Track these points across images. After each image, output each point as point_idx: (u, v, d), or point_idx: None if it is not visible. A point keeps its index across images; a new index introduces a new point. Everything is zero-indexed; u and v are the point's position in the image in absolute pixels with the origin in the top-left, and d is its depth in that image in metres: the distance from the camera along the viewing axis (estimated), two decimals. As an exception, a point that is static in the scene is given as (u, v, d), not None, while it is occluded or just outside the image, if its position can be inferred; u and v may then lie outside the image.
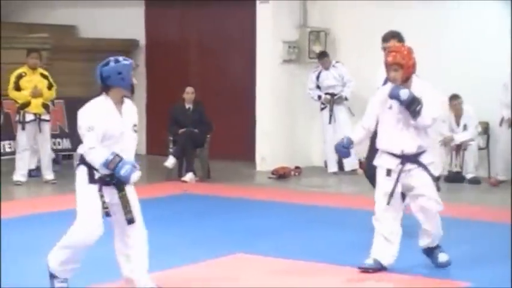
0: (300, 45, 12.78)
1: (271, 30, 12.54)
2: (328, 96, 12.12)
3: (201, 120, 11.49)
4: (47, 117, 10.98)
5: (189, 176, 11.10)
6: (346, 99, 12.11)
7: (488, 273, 6.24)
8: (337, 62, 12.24)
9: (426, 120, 5.99)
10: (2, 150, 11.67)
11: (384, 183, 6.11)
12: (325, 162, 12.50)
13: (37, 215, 8.49)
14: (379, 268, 6.11)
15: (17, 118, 10.98)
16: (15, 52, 12.26)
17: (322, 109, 12.23)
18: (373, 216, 6.19)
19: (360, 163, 11.83)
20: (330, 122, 12.09)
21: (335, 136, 11.43)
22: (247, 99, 12.75)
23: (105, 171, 5.02)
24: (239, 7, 13.12)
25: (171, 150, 11.42)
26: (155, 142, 13.57)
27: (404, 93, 5.87)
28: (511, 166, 10.92)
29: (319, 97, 12.16)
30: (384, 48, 6.98)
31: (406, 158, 6.04)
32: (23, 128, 10.89)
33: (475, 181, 11.03)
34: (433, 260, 6.32)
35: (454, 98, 11.18)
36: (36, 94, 10.84)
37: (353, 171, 11.95)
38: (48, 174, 11.05)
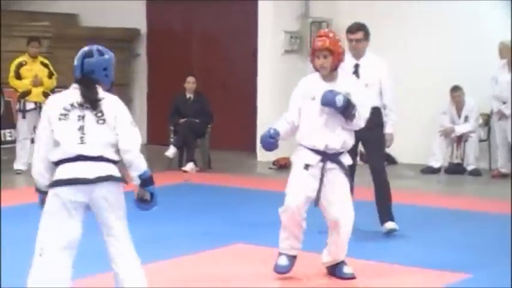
0: (301, 36, 12.76)
1: (273, 21, 12.52)
2: None
3: (202, 110, 11.47)
4: (47, 106, 10.96)
5: (189, 166, 11.10)
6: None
7: (489, 264, 6.23)
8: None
9: (361, 122, 5.59)
10: (2, 139, 11.70)
11: (301, 180, 5.60)
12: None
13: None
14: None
15: (18, 107, 11.00)
16: (15, 40, 12.27)
17: None
18: (283, 207, 5.70)
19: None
20: None
21: None
22: (248, 90, 12.73)
23: None
24: (241, -3, 13.10)
25: (172, 140, 11.42)
26: (156, 132, 13.56)
27: (339, 100, 5.41)
28: (511, 158, 10.91)
29: None
30: (350, 40, 7.08)
31: (327, 156, 5.57)
32: (24, 117, 10.90)
33: (476, 173, 11.02)
34: (338, 273, 5.83)
35: (455, 90, 11.18)
36: (36, 83, 10.84)
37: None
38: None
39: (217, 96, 12.51)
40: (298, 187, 5.61)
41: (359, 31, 7.14)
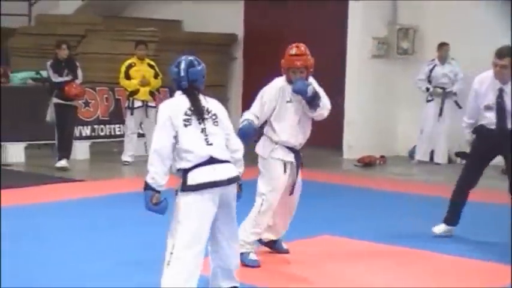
0: (388, 42, 12.65)
1: (362, 27, 12.45)
2: (440, 90, 11.74)
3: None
4: (153, 103, 11.19)
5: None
6: (455, 94, 11.65)
7: None
8: (452, 58, 11.76)
9: (325, 111, 5.85)
10: (112, 133, 12.02)
11: (283, 177, 5.82)
12: (410, 153, 12.36)
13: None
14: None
15: (127, 104, 11.26)
16: (125, 44, 12.56)
17: (428, 101, 11.87)
18: (267, 205, 5.80)
19: (457, 154, 11.69)
20: (440, 115, 11.73)
21: (438, 127, 11.67)
22: (336, 91, 12.68)
23: None
24: (332, 4, 13.07)
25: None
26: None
27: (310, 90, 5.66)
28: None
29: (427, 89, 11.84)
30: (495, 65, 6.54)
31: (297, 152, 5.89)
32: (132, 114, 11.15)
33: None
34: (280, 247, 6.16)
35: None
36: (144, 83, 11.07)
37: (437, 164, 11.82)
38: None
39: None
40: (280, 188, 5.82)
41: (506, 57, 6.52)
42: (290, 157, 5.84)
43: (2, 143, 10.86)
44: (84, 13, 15.03)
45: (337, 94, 12.55)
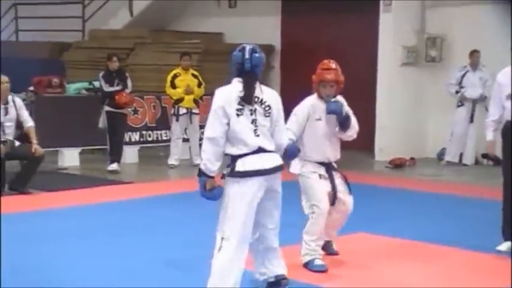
0: (417, 50, 12.55)
1: (392, 36, 12.37)
2: (472, 96, 11.57)
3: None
4: (196, 111, 11.22)
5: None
6: (484, 99, 11.40)
7: None
8: (483, 66, 11.60)
9: (353, 132, 5.68)
10: (159, 138, 12.06)
11: (322, 186, 5.60)
12: (438, 154, 12.22)
13: (188, 193, 8.69)
14: None
15: (172, 111, 11.29)
16: (171, 55, 12.60)
17: (459, 106, 11.73)
18: (318, 212, 5.57)
19: (483, 155, 11.56)
20: (472, 120, 11.59)
21: (468, 130, 11.58)
22: (368, 97, 12.58)
23: None
24: (364, 15, 12.97)
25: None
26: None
27: (344, 111, 5.52)
28: None
29: (457, 92, 11.66)
30: None
31: (330, 166, 5.66)
32: (177, 120, 11.18)
33: None
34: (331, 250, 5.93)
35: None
36: (188, 91, 11.09)
37: (465, 165, 11.68)
38: (197, 159, 11.30)
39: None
40: (323, 193, 5.60)
41: None
42: (322, 170, 5.64)
43: (59, 149, 10.97)
44: (133, 28, 15.13)
45: (369, 100, 12.51)
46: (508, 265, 5.67)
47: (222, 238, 4.38)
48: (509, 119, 5.99)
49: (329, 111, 5.54)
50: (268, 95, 4.54)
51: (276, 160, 4.48)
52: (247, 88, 4.43)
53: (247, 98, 4.41)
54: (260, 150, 4.40)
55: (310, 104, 5.66)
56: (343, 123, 5.57)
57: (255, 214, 4.47)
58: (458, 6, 12.21)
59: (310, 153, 5.63)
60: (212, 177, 4.37)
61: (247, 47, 4.55)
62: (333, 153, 5.70)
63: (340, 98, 5.71)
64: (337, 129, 5.62)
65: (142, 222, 7.24)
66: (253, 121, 4.40)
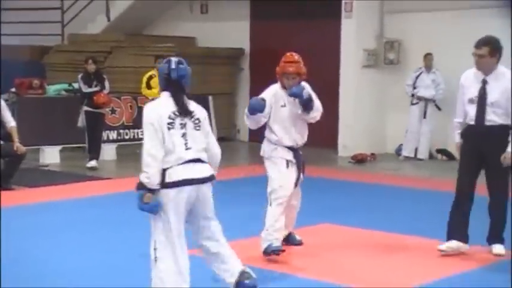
0: (377, 53, 12.60)
1: (354, 40, 12.39)
2: (424, 95, 11.69)
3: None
4: (171, 110, 11.11)
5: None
6: (434, 100, 11.70)
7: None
8: (436, 69, 11.69)
9: (318, 114, 5.66)
10: (136, 137, 11.97)
11: (287, 173, 5.62)
12: (396, 150, 12.30)
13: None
14: None
15: (148, 111, 11.18)
16: (146, 58, 12.51)
17: (413, 104, 11.84)
18: (278, 198, 5.58)
19: (437, 151, 11.74)
20: (425, 117, 11.72)
21: (421, 127, 11.73)
22: (331, 98, 12.58)
23: None
24: (327, 20, 12.98)
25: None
26: (255, 131, 13.58)
27: (305, 93, 5.50)
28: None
29: (412, 95, 11.80)
30: (474, 55, 5.66)
31: (296, 150, 5.67)
32: (153, 119, 11.07)
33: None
34: (292, 241, 5.96)
35: None
36: (163, 92, 10.99)
37: (420, 160, 11.79)
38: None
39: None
40: (290, 182, 5.62)
41: (483, 46, 5.61)
42: (290, 156, 5.67)
43: (40, 147, 10.84)
44: (110, 32, 14.98)
45: (332, 100, 12.54)
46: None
47: (155, 249, 4.20)
48: (472, 122, 5.71)
49: (290, 94, 5.55)
50: (195, 108, 4.33)
51: (205, 171, 4.25)
52: (178, 103, 4.23)
53: (180, 113, 4.21)
54: (190, 161, 4.20)
55: (273, 93, 5.67)
56: (306, 105, 5.55)
57: (192, 223, 4.31)
58: (414, 12, 12.27)
59: (279, 138, 5.63)
60: (153, 191, 4.13)
61: (173, 59, 4.35)
62: (299, 136, 5.70)
63: (304, 83, 5.68)
64: (299, 111, 5.60)
65: (122, 216, 7.14)
66: (184, 134, 4.19)
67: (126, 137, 11.90)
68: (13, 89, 11.47)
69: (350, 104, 12.46)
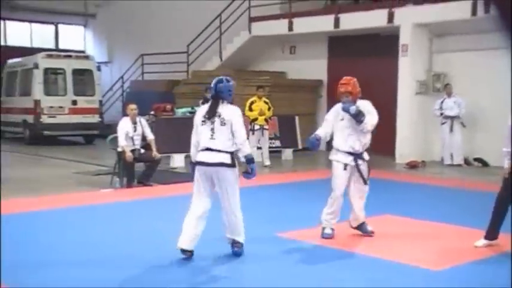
0: (427, 83, 12.30)
1: (409, 73, 12.16)
2: (450, 114, 11.47)
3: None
4: (267, 127, 11.24)
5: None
6: (459, 117, 11.42)
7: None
8: (456, 93, 11.49)
9: (368, 126, 5.38)
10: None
11: (343, 174, 5.43)
12: (442, 158, 11.90)
13: (254, 187, 8.67)
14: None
15: (250, 127, 11.31)
16: (249, 88, 12.68)
17: (442, 123, 11.59)
18: (333, 195, 5.49)
19: (465, 160, 11.24)
20: (451, 131, 11.46)
21: (451, 140, 11.42)
22: (391, 117, 12.35)
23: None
24: (388, 59, 12.76)
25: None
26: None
27: (352, 109, 5.34)
28: None
29: (441, 114, 11.56)
30: None
31: (355, 155, 5.43)
32: (253, 133, 11.19)
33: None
34: (364, 230, 5.66)
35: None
36: (261, 113, 11.12)
37: (459, 165, 11.35)
38: (267, 161, 11.33)
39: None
40: (341, 183, 5.46)
41: None
42: (348, 160, 5.43)
43: (171, 154, 11.12)
44: (222, 69, 15.31)
45: (391, 118, 12.28)
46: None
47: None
48: None
49: (342, 109, 5.47)
50: (227, 110, 4.63)
51: (221, 157, 4.59)
52: (210, 107, 4.65)
53: (208, 114, 4.64)
54: (208, 149, 4.57)
55: (335, 109, 5.61)
56: (355, 118, 5.40)
57: (218, 192, 4.66)
58: (456, 52, 11.96)
59: (338, 145, 5.51)
60: (195, 164, 4.71)
61: (215, 79, 4.73)
62: (357, 143, 5.44)
63: (362, 102, 5.52)
64: (354, 123, 5.47)
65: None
66: (212, 129, 4.59)
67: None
68: (152, 112, 11.89)
69: (405, 121, 12.21)
